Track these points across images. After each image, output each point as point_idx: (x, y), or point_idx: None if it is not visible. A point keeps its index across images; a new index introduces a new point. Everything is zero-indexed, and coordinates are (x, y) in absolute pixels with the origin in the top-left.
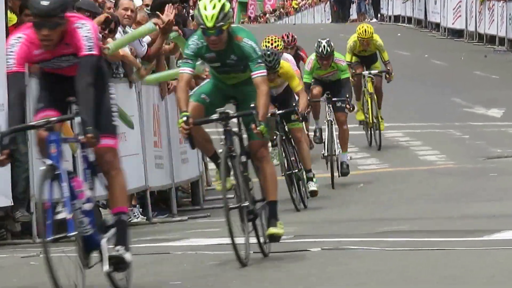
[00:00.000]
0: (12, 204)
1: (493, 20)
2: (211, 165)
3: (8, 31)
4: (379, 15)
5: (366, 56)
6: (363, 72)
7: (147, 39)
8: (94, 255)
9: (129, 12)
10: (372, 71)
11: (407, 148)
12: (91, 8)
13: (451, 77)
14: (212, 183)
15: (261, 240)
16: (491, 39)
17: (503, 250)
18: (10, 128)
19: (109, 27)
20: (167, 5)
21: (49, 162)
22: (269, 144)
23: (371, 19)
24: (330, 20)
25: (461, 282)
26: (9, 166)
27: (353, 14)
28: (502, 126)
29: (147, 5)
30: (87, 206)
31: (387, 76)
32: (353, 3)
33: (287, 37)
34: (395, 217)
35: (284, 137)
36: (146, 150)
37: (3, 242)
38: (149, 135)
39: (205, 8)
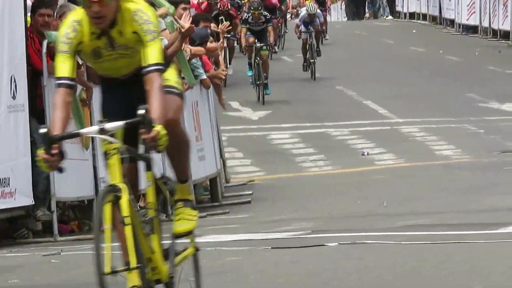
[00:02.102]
0: (33, 203)
1: (507, 16)
2: (229, 162)
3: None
4: (394, 12)
5: None
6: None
7: (165, 41)
8: None
9: None
10: None
11: (422, 143)
12: None
13: (466, 72)
14: (231, 180)
15: None
16: (505, 35)
17: None
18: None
19: None
20: (185, 12)
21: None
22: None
23: (386, 17)
24: (346, 18)
25: (479, 275)
26: (30, 165)
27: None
28: None
29: None
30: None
31: None
32: (366, 1)
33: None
34: (411, 212)
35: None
36: None
37: (24, 241)
38: None
39: None
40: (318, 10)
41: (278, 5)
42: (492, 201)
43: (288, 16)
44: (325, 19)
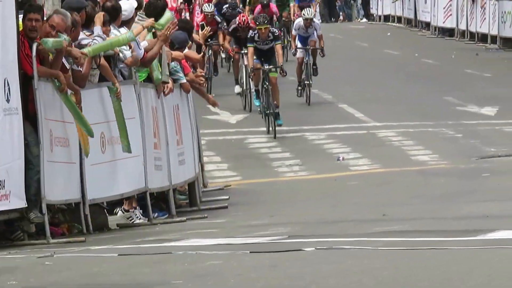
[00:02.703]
0: (26, 205)
1: (485, 18)
2: (207, 166)
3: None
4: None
5: None
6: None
7: (144, 43)
8: None
9: (53, 32)
10: None
11: (399, 147)
12: (80, 4)
13: (443, 75)
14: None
15: None
16: (483, 38)
17: (498, 250)
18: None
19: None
20: (171, 21)
21: None
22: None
23: (361, 19)
24: (321, 21)
25: (456, 282)
26: (23, 168)
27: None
28: (496, 125)
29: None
30: None
31: None
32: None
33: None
34: (388, 218)
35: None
36: (146, 152)
37: (21, 242)
38: (150, 137)
39: None
40: (316, 20)
41: (278, 14)
42: (469, 208)
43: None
44: None
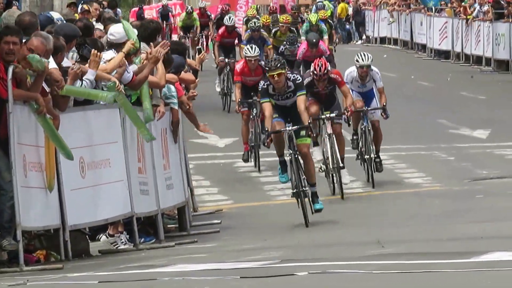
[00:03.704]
0: None
1: (479, 40)
2: (197, 191)
3: None
4: (364, 37)
5: None
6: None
7: (133, 67)
8: None
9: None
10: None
11: (392, 170)
12: (71, 32)
13: (438, 98)
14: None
15: None
16: (478, 60)
17: (492, 272)
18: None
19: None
20: (162, 41)
21: None
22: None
23: (356, 41)
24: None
25: None
26: None
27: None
28: (488, 147)
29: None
30: None
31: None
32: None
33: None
34: (382, 240)
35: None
36: (130, 177)
37: None
38: (133, 161)
39: None
40: (374, 68)
41: (328, 52)
42: (464, 229)
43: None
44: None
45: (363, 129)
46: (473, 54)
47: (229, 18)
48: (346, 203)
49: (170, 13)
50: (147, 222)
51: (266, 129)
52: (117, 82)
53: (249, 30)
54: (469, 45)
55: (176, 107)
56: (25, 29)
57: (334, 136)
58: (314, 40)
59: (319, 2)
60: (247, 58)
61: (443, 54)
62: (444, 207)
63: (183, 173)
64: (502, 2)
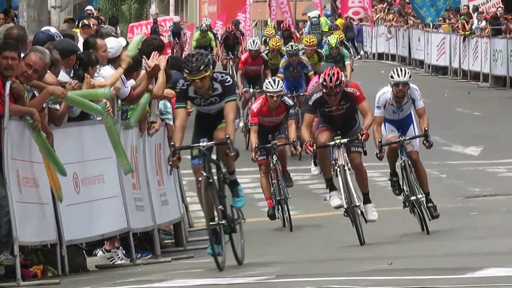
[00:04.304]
0: None
1: (477, 56)
2: (192, 207)
3: None
4: (362, 53)
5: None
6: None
7: (131, 82)
8: None
9: (30, 71)
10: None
11: (385, 187)
12: (73, 48)
13: (433, 114)
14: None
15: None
16: (475, 76)
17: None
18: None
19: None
20: (154, 52)
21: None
22: None
23: (354, 57)
24: None
25: None
26: None
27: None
28: (480, 165)
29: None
30: None
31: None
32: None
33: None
34: (377, 256)
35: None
36: (125, 193)
37: None
38: (127, 177)
39: None
40: (413, 85)
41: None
42: (458, 245)
43: None
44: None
45: (403, 165)
46: (470, 70)
47: (253, 42)
48: (340, 220)
49: (182, 31)
50: (143, 238)
51: (172, 143)
52: (108, 104)
53: (285, 56)
54: (466, 61)
55: (171, 122)
56: None
57: (350, 167)
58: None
59: (313, 18)
60: (268, 94)
61: (441, 70)
62: (439, 224)
63: (177, 188)
64: (500, 18)
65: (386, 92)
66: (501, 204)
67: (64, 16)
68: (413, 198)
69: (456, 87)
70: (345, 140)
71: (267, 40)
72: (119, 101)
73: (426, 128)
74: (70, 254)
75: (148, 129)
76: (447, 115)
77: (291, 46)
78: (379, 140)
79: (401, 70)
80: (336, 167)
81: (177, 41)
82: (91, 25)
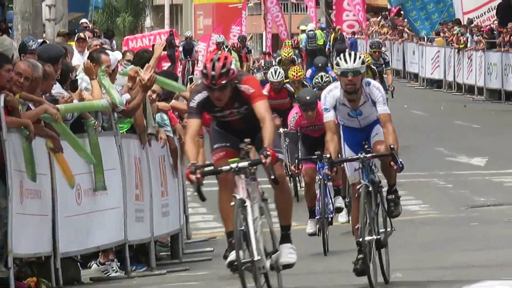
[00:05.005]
0: None
1: (471, 70)
2: (192, 218)
3: None
4: None
5: None
6: None
7: (126, 96)
8: None
9: (21, 79)
10: None
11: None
12: (58, 52)
13: (433, 127)
14: (192, 236)
15: None
16: (470, 89)
17: None
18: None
19: None
20: (147, 64)
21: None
22: None
23: None
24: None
25: None
26: None
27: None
28: (486, 175)
29: (128, 60)
30: None
31: None
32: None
33: None
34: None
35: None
36: (127, 204)
37: None
38: (131, 188)
39: None
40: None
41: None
42: (454, 257)
43: None
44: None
45: (362, 192)
46: (465, 83)
47: (275, 73)
48: (339, 231)
49: (193, 48)
50: (139, 250)
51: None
52: (96, 123)
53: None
54: (461, 74)
55: (171, 134)
56: None
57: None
58: (308, 98)
59: (310, 31)
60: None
61: (436, 83)
62: (437, 235)
63: (180, 200)
64: (494, 31)
65: (333, 89)
66: (504, 214)
67: (59, 29)
68: (368, 238)
69: (451, 100)
70: (244, 164)
71: (281, 60)
72: (115, 114)
73: (391, 146)
74: (64, 266)
75: (149, 140)
76: (447, 128)
77: (321, 77)
78: (328, 155)
79: (349, 54)
80: (232, 203)
81: (189, 58)
82: (87, 38)
